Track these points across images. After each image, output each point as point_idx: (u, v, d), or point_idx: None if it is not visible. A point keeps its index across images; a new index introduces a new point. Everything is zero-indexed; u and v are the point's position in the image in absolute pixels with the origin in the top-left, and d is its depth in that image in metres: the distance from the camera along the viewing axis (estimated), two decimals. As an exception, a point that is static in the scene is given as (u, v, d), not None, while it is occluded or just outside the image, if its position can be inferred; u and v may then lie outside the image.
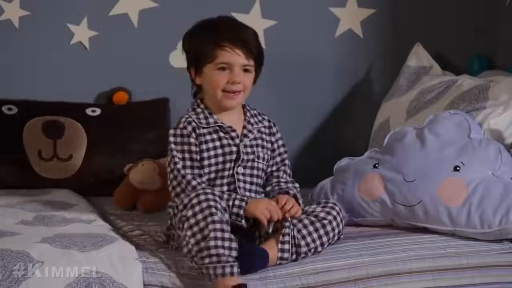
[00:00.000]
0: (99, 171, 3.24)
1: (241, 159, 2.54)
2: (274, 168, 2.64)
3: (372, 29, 3.57)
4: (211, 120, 2.55)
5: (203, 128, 2.53)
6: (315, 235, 2.47)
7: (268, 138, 2.63)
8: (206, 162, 2.52)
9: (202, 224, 2.33)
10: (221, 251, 2.31)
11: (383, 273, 2.49)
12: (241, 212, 2.45)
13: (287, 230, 2.45)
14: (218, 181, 2.53)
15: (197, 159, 2.51)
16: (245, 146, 2.56)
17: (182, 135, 2.52)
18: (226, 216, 2.38)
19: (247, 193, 2.55)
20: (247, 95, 2.57)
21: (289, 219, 2.48)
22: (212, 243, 2.30)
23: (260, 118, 2.64)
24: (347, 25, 3.55)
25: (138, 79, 3.40)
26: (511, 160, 2.76)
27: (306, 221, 2.49)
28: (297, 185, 2.64)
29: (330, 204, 2.55)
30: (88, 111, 3.31)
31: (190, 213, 2.35)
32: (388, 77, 3.53)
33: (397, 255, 2.53)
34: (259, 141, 2.60)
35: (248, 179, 2.56)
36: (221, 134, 2.55)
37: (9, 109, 3.27)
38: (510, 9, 3.51)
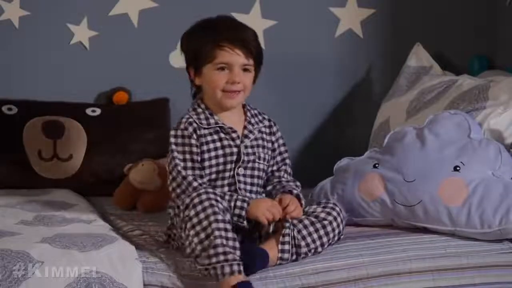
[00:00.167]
0: (99, 171, 3.23)
1: (241, 160, 2.54)
2: (275, 167, 2.64)
3: (372, 29, 3.56)
4: (212, 121, 2.54)
5: (204, 128, 2.53)
6: (315, 236, 2.47)
7: (268, 137, 2.63)
8: (207, 163, 2.52)
9: (204, 223, 2.33)
10: (227, 249, 2.30)
11: (383, 273, 2.48)
12: (243, 213, 2.45)
13: (287, 231, 2.44)
14: (219, 182, 2.53)
15: (198, 160, 2.50)
16: (246, 147, 2.56)
17: (183, 136, 2.52)
18: (228, 216, 2.38)
19: (248, 194, 2.54)
20: (247, 95, 2.56)
21: (290, 219, 2.48)
22: (218, 241, 2.30)
23: (260, 117, 2.64)
24: (347, 25, 3.55)
25: (138, 79, 3.40)
26: (511, 160, 2.75)
27: (306, 222, 2.48)
28: (298, 183, 2.63)
29: (330, 205, 2.54)
30: (88, 111, 3.31)
31: (192, 212, 2.35)
32: (388, 77, 3.53)
33: (397, 255, 2.52)
34: (260, 141, 2.59)
35: (248, 180, 2.56)
36: (222, 135, 2.54)
37: (9, 109, 3.27)
38: (510, 9, 3.50)
